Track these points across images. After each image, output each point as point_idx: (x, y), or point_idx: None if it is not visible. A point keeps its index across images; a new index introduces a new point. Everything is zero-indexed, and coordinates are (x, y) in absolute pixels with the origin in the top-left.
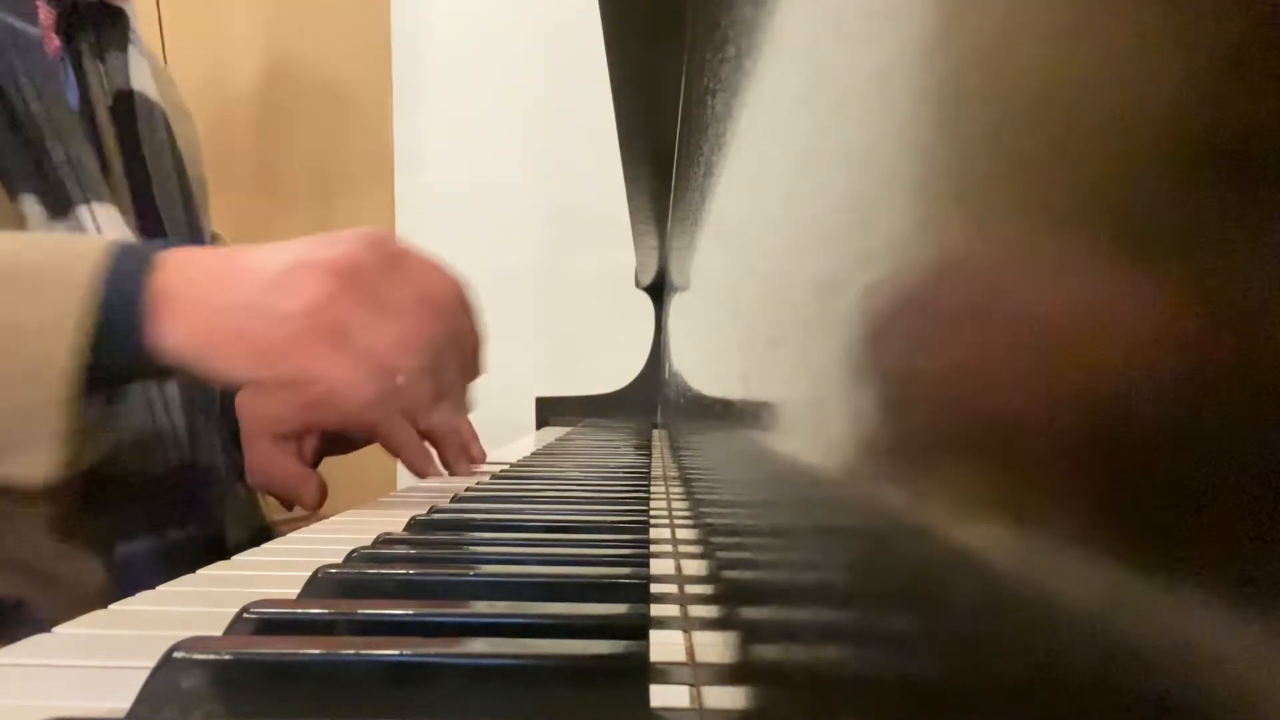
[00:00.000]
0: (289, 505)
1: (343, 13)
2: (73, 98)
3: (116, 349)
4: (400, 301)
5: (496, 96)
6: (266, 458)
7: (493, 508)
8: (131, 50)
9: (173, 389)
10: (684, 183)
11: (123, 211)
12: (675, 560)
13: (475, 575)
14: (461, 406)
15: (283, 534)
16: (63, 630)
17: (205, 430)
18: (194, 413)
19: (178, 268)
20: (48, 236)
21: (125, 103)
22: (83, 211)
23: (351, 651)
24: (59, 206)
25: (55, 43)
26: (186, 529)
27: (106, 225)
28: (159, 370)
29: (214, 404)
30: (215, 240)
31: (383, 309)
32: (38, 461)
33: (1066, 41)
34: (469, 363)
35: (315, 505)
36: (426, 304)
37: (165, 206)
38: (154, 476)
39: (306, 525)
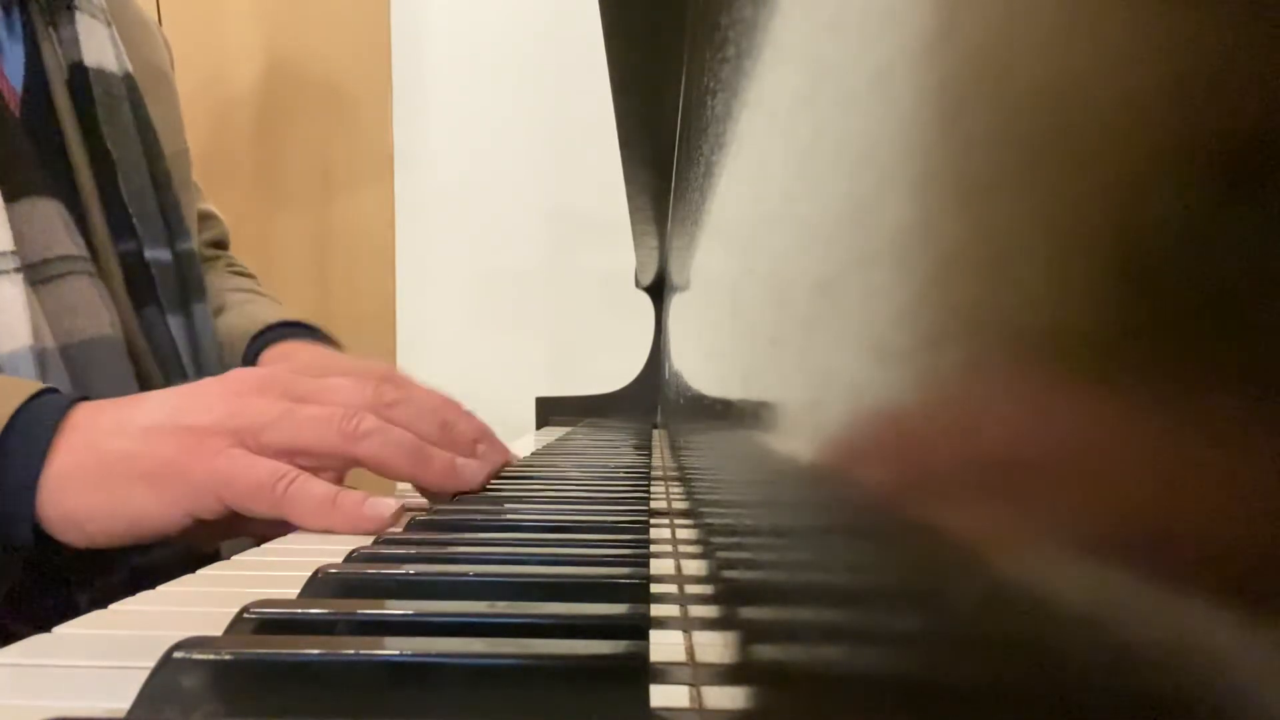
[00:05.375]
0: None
1: (343, 13)
2: (16, 76)
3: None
4: (318, 385)
5: (496, 96)
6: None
7: (493, 508)
8: (79, 17)
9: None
10: (684, 183)
11: (88, 207)
12: (675, 560)
13: (475, 575)
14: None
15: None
16: (63, 630)
17: None
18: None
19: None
20: None
21: (80, 80)
22: None
23: (351, 651)
24: None
25: None
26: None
27: None
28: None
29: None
30: (207, 222)
31: (299, 394)
32: None
33: (1067, 41)
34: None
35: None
36: (348, 376)
37: (134, 200)
38: None
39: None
